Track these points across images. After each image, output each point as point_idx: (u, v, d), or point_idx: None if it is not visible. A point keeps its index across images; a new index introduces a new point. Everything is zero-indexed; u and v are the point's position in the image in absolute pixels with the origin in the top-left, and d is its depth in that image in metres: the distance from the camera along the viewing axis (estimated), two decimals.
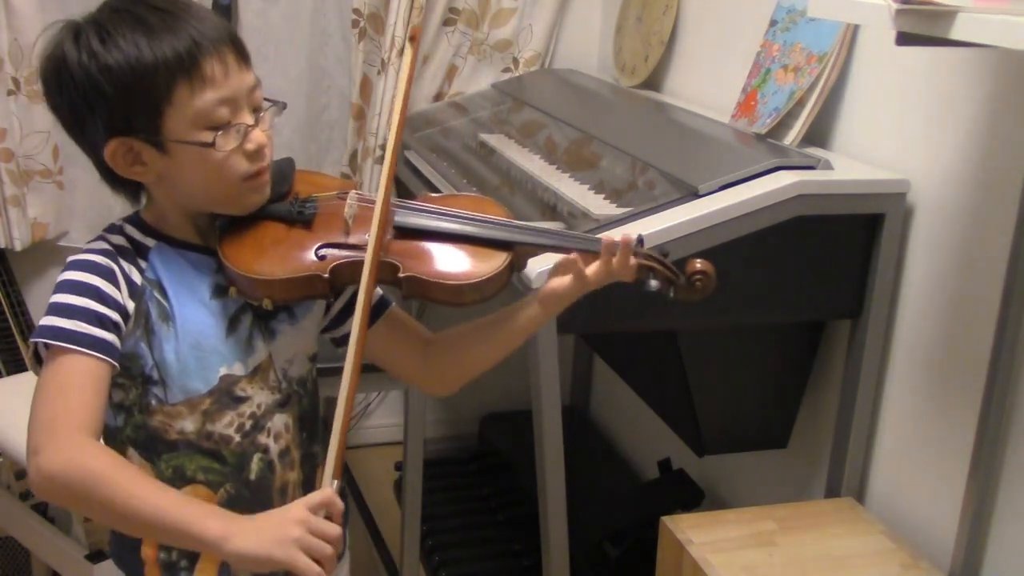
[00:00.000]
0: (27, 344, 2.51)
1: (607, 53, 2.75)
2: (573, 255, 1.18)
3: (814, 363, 1.92)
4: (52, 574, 2.33)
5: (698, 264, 1.18)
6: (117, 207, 2.57)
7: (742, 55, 2.04)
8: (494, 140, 2.26)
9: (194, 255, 1.19)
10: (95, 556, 2.05)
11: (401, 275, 1.17)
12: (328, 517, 1.06)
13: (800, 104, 1.80)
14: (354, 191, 1.23)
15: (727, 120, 2.01)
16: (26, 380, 2.39)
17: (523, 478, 2.53)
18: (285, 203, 1.20)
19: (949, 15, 1.13)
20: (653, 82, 2.51)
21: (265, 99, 1.16)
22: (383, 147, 2.67)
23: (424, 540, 2.43)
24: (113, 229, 1.19)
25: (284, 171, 1.23)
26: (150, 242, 1.18)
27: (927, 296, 1.68)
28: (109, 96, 1.08)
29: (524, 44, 2.76)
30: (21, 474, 2.33)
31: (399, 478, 2.65)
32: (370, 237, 1.15)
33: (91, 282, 1.12)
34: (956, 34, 1.13)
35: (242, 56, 1.13)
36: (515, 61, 2.77)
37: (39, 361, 1.11)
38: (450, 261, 1.18)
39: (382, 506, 2.71)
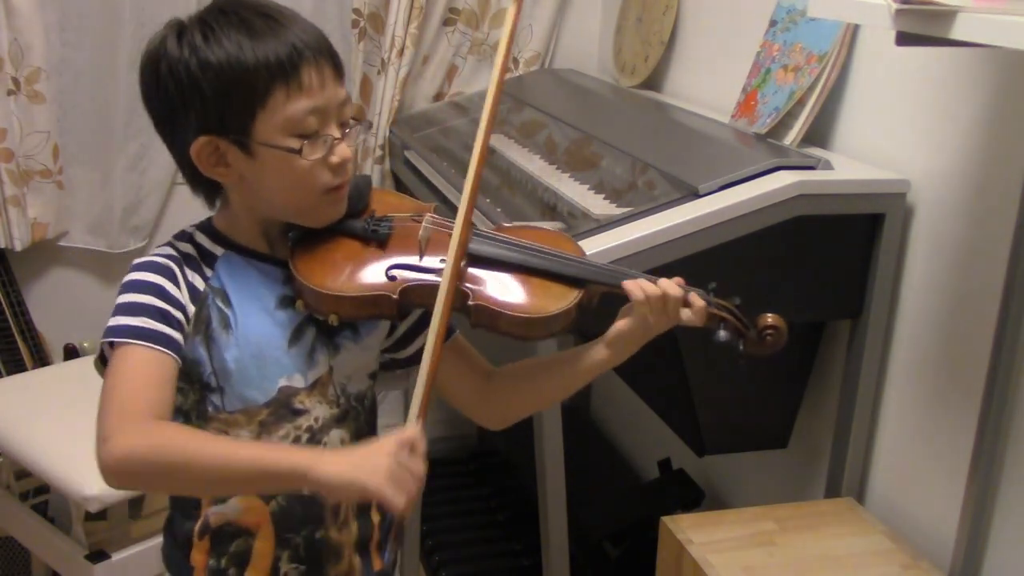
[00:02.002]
0: (25, 345, 2.51)
1: (607, 53, 2.75)
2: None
3: (814, 363, 1.92)
4: (52, 574, 2.33)
5: (769, 319, 1.20)
6: (117, 207, 2.59)
7: (742, 55, 2.04)
8: (494, 140, 2.26)
9: (263, 265, 1.18)
10: (95, 556, 2.04)
11: (471, 303, 1.16)
12: (413, 455, 1.05)
13: (800, 104, 1.80)
14: (430, 214, 1.23)
15: (727, 120, 2.01)
16: (26, 380, 2.39)
17: (523, 478, 2.53)
18: (360, 220, 1.20)
19: (949, 15, 1.13)
20: (653, 82, 2.51)
21: (352, 119, 1.17)
22: (383, 147, 2.67)
23: (424, 540, 2.43)
24: (183, 236, 1.19)
25: (361, 188, 1.22)
26: (218, 250, 1.18)
27: (927, 296, 1.68)
28: (205, 92, 1.09)
29: (524, 44, 2.76)
30: (21, 474, 2.33)
31: None
32: (448, 260, 1.14)
33: (153, 280, 1.13)
34: (956, 34, 1.13)
35: (338, 70, 1.14)
36: (515, 61, 2.77)
37: (104, 362, 1.11)
38: (521, 294, 1.18)
39: None
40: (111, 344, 1.10)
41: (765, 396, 1.94)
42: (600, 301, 1.22)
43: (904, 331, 1.73)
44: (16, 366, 2.49)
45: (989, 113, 1.55)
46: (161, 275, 1.13)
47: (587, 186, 1.83)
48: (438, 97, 2.77)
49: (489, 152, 2.18)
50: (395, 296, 1.15)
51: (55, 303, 2.68)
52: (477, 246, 1.19)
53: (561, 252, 1.22)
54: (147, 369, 1.08)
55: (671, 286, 1.18)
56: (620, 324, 1.20)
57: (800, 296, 1.73)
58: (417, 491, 1.03)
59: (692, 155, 1.89)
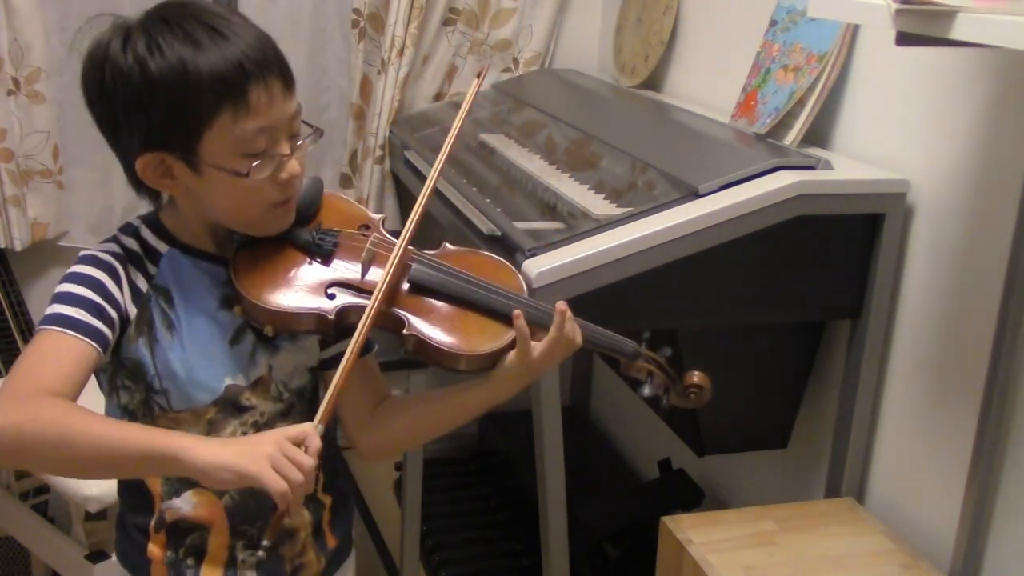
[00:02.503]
0: (25, 345, 2.51)
1: (607, 53, 2.75)
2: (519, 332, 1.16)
3: (814, 363, 1.92)
4: (52, 574, 2.33)
5: (695, 378, 1.21)
6: (117, 207, 2.59)
7: (742, 55, 2.04)
8: (494, 140, 2.26)
9: (207, 264, 1.18)
10: (95, 556, 2.05)
11: (405, 332, 1.15)
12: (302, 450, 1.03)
13: (800, 104, 1.80)
14: (376, 233, 1.21)
15: (727, 120, 2.01)
16: None
17: (523, 478, 2.53)
18: (306, 231, 1.18)
19: (949, 15, 1.13)
20: (653, 82, 2.51)
21: (304, 122, 1.15)
22: (383, 147, 2.67)
23: (424, 540, 2.43)
24: (128, 229, 1.19)
25: (312, 195, 1.21)
26: (163, 247, 1.17)
27: (927, 296, 1.68)
28: (149, 111, 1.07)
29: (524, 44, 2.76)
30: (21, 474, 2.33)
31: (399, 478, 2.65)
32: (377, 289, 1.13)
33: (94, 275, 1.12)
34: (956, 34, 1.13)
35: (287, 83, 1.11)
36: (515, 61, 2.77)
37: None
38: (457, 328, 1.16)
39: (382, 506, 2.71)
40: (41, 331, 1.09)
41: (765, 396, 1.94)
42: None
43: (904, 331, 1.73)
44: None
45: (989, 113, 1.55)
46: (104, 271, 1.13)
47: (587, 186, 1.83)
48: (438, 97, 2.77)
49: (489, 152, 2.19)
50: (331, 317, 1.14)
51: None
52: (418, 273, 1.18)
53: (501, 288, 1.20)
54: (58, 351, 1.07)
55: (570, 328, 1.18)
56: (507, 361, 1.18)
57: (800, 296, 1.73)
58: (301, 483, 0.99)
59: (692, 155, 1.89)
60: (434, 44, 2.71)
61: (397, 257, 1.15)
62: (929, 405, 1.69)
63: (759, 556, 1.56)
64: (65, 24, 2.51)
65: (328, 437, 1.30)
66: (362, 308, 1.13)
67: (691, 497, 2.25)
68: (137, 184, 1.15)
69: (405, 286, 1.18)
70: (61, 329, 1.08)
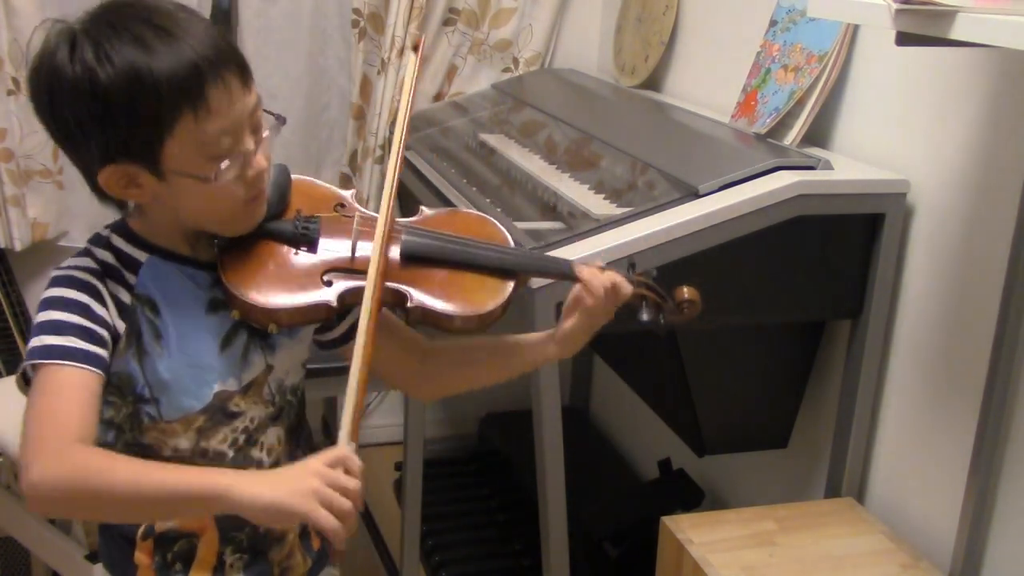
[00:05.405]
0: (25, 345, 2.51)
1: (607, 53, 2.75)
2: (578, 291, 1.19)
3: (814, 363, 1.92)
4: (52, 574, 2.33)
5: (686, 293, 1.22)
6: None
7: (742, 55, 2.04)
8: (494, 140, 2.26)
9: (188, 268, 1.14)
10: (95, 556, 2.04)
11: (409, 305, 1.15)
12: (344, 473, 1.01)
13: (800, 104, 1.80)
14: (356, 212, 1.20)
15: (727, 120, 2.01)
16: None
17: (523, 478, 2.53)
18: (287, 222, 1.16)
19: (949, 15, 1.13)
20: (653, 82, 2.51)
21: (264, 111, 1.12)
22: (383, 147, 2.67)
23: (424, 540, 2.43)
24: (99, 241, 1.14)
25: (281, 185, 1.19)
26: (141, 255, 1.13)
27: (927, 296, 1.68)
28: (105, 123, 1.03)
29: (524, 44, 2.76)
30: None
31: (399, 478, 2.65)
32: (370, 268, 1.12)
33: (75, 298, 1.08)
34: (956, 34, 1.13)
35: (244, 76, 1.07)
36: (515, 61, 2.77)
37: (27, 382, 1.08)
38: (458, 291, 1.17)
39: (382, 506, 2.71)
40: (33, 366, 1.06)
41: (765, 396, 1.94)
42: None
43: (904, 331, 1.73)
44: (16, 366, 2.47)
45: (989, 113, 1.55)
46: (84, 292, 1.09)
47: (587, 186, 1.83)
48: (438, 97, 2.77)
49: (489, 152, 2.19)
50: (334, 304, 1.13)
51: None
52: (409, 243, 1.18)
53: (493, 244, 1.21)
54: (69, 391, 1.04)
55: (615, 275, 1.19)
56: (570, 323, 1.21)
57: (800, 296, 1.73)
58: (352, 511, 0.98)
59: (692, 155, 1.89)
60: (434, 44, 2.71)
61: (385, 231, 1.14)
62: (929, 405, 1.69)
63: (759, 556, 1.56)
64: None
65: (311, 439, 1.30)
66: (362, 289, 1.12)
67: (691, 497, 2.25)
68: (101, 195, 1.11)
69: (397, 258, 1.17)
70: (60, 362, 1.05)
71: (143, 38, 1.02)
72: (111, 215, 1.18)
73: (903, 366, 1.74)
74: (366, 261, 1.14)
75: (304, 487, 0.97)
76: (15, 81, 2.43)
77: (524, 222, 1.72)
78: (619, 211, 1.66)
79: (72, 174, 2.56)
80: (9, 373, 2.46)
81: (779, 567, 1.53)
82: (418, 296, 1.15)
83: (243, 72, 1.07)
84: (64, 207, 2.59)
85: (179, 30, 1.03)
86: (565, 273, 1.22)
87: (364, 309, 1.10)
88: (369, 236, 1.16)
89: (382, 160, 2.68)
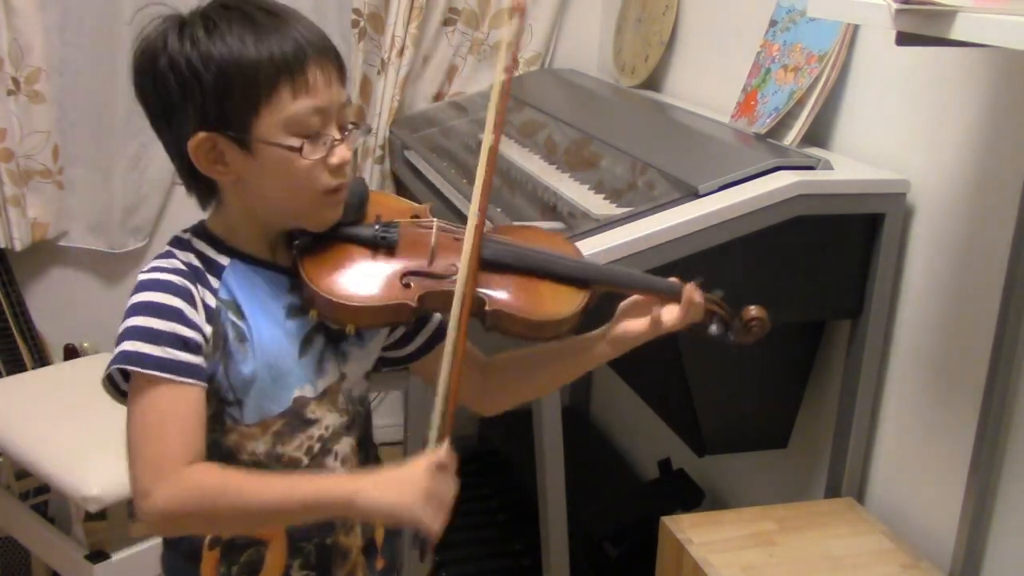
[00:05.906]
0: (25, 345, 2.51)
1: (607, 53, 2.75)
2: (646, 298, 1.20)
3: (814, 363, 1.92)
4: (52, 574, 2.33)
5: (753, 311, 1.24)
6: (117, 207, 2.59)
7: (742, 55, 2.04)
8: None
9: (269, 272, 1.15)
10: (95, 556, 2.04)
11: (488, 309, 1.16)
12: (445, 476, 1.06)
13: (800, 104, 1.80)
14: (436, 220, 1.23)
15: (727, 120, 2.01)
16: (26, 380, 2.39)
17: (523, 478, 2.53)
18: (367, 226, 1.18)
19: (949, 15, 1.13)
20: (653, 82, 2.51)
21: (351, 123, 1.15)
22: (383, 147, 2.67)
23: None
24: (181, 244, 1.15)
25: (359, 194, 1.21)
26: (224, 260, 1.14)
27: (927, 296, 1.68)
28: (207, 85, 1.06)
29: (524, 44, 2.76)
30: (21, 474, 2.33)
31: None
32: (461, 267, 1.14)
33: (171, 304, 1.09)
34: (956, 34, 1.13)
35: (341, 71, 1.12)
36: (515, 61, 2.77)
37: (115, 385, 1.09)
38: (534, 298, 1.19)
39: None
40: (123, 372, 1.07)
41: (765, 396, 1.94)
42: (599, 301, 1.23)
43: (904, 331, 1.73)
44: (16, 366, 2.48)
45: (989, 113, 1.55)
46: (179, 297, 1.09)
47: (587, 186, 1.83)
48: (438, 97, 2.77)
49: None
50: (414, 304, 1.14)
51: (55, 303, 2.67)
52: (489, 252, 1.19)
53: (568, 255, 1.24)
54: (176, 408, 1.06)
55: (696, 291, 1.20)
56: (626, 324, 1.21)
57: (800, 296, 1.73)
58: (449, 511, 1.04)
59: (692, 155, 1.89)
60: (434, 44, 2.71)
61: (473, 239, 1.16)
62: (929, 405, 1.69)
63: (759, 556, 1.56)
64: (65, 24, 2.50)
65: (377, 452, 1.31)
66: (442, 291, 1.15)
67: (691, 497, 2.26)
68: (189, 175, 1.13)
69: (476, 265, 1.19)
70: (164, 375, 1.06)
71: (253, 17, 1.08)
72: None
73: (903, 366, 1.74)
74: (443, 265, 1.17)
75: (418, 491, 1.02)
76: (15, 81, 2.43)
77: (524, 222, 1.72)
78: (619, 211, 1.66)
79: (72, 174, 2.58)
80: (9, 373, 2.46)
81: (779, 567, 1.53)
82: (498, 301, 1.17)
83: (341, 67, 1.13)
84: (64, 207, 2.59)
85: (289, 17, 1.10)
86: (639, 287, 1.22)
87: (456, 299, 1.13)
88: (447, 243, 1.19)
89: (382, 160, 2.69)
